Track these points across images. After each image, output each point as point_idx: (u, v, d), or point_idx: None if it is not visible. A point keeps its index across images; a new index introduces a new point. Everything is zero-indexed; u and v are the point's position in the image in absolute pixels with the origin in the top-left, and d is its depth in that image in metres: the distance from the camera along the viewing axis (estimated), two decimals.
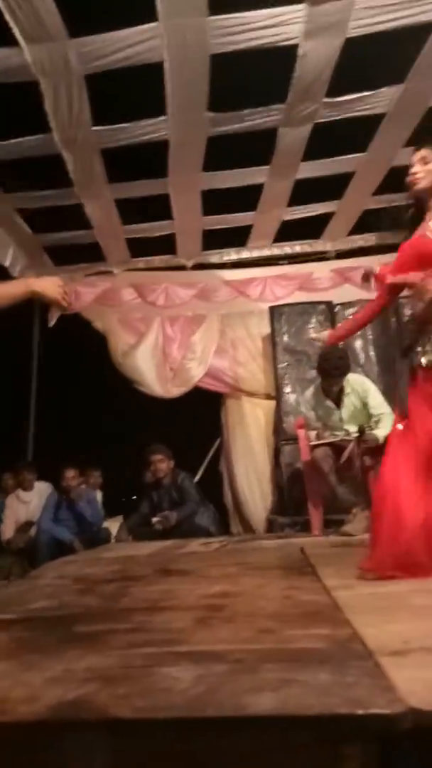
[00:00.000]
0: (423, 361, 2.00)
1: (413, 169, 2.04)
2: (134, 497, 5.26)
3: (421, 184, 2.01)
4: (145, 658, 1.17)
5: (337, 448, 3.91)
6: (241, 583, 2.05)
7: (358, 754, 0.79)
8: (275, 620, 1.42)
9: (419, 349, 2.03)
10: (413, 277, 1.96)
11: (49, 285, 1.81)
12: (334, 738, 0.80)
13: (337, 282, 5.34)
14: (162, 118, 3.41)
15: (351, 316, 5.53)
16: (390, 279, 2.04)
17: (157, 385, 5.33)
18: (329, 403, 4.05)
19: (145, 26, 2.76)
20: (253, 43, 2.83)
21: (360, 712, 0.80)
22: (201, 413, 5.69)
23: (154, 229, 4.86)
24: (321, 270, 5.43)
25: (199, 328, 5.46)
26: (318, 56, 2.94)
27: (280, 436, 5.09)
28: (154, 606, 1.73)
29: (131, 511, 4.95)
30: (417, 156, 2.04)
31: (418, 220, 2.08)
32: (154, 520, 4.50)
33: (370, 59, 3.08)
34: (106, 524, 5.02)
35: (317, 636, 1.25)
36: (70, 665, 1.13)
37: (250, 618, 1.47)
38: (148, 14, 2.69)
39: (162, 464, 4.80)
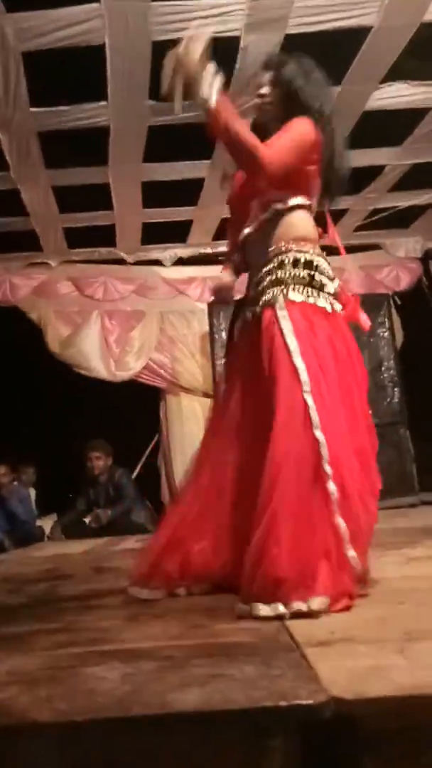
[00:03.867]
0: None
1: (263, 90, 1.65)
2: (69, 495, 5.14)
3: (261, 111, 1.68)
4: (71, 658, 1.14)
5: None
6: None
7: (281, 745, 0.79)
8: (206, 615, 1.41)
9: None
10: None
11: None
12: (259, 731, 0.80)
13: None
14: (102, 103, 3.32)
15: None
16: None
17: (103, 369, 5.26)
18: None
19: (87, 6, 2.68)
20: (196, 32, 2.80)
21: (283, 703, 0.80)
22: (140, 409, 5.62)
23: (93, 218, 4.75)
24: None
25: (138, 324, 5.43)
26: (259, 50, 2.94)
27: None
28: (84, 605, 1.69)
29: (66, 509, 4.83)
30: (266, 77, 1.67)
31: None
32: (87, 519, 4.45)
33: (309, 58, 3.11)
34: (39, 522, 4.89)
35: (247, 630, 1.25)
36: None
37: (181, 614, 1.45)
38: None
39: (99, 461, 4.72)
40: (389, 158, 4.15)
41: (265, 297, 1.59)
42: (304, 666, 0.97)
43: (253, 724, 0.79)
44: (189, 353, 5.49)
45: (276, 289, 1.58)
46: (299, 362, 1.47)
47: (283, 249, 1.61)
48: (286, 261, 1.60)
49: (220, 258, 5.44)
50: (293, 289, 1.56)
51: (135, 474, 5.28)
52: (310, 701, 0.80)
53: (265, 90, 1.66)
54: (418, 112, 3.63)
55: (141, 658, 1.08)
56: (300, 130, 1.59)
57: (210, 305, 5.28)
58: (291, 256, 1.60)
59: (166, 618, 1.42)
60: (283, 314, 1.53)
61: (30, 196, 4.24)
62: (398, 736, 0.78)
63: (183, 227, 5.01)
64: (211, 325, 5.23)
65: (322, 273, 1.61)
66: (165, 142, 3.71)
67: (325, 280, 1.60)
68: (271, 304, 1.57)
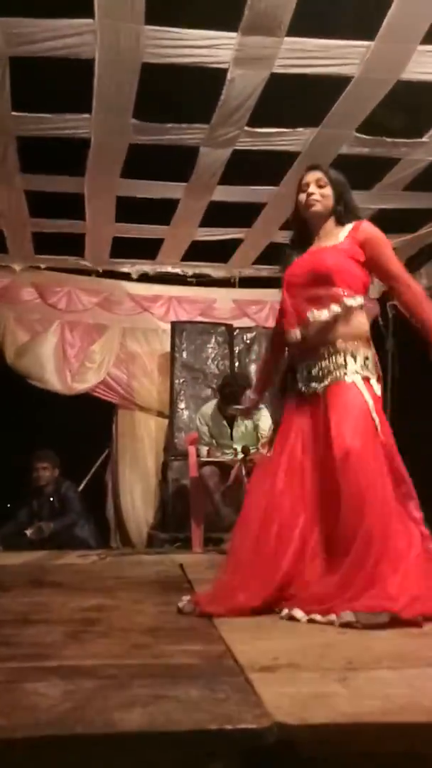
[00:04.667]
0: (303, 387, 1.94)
1: (311, 190, 1.98)
2: (8, 505, 4.97)
3: (317, 207, 1.99)
4: (9, 673, 1.10)
5: (225, 467, 3.98)
6: (117, 597, 2.01)
7: None
8: (150, 635, 1.40)
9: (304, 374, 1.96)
10: None
11: None
12: (202, 753, 0.79)
13: (236, 314, 5.57)
14: (86, 116, 3.33)
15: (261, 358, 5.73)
16: None
17: (57, 382, 5.15)
18: (224, 421, 4.17)
19: (80, 20, 2.69)
20: (185, 60, 2.87)
21: (228, 727, 0.80)
22: (92, 421, 5.52)
23: (64, 226, 4.71)
24: (224, 298, 5.58)
25: (100, 339, 5.37)
26: (245, 84, 3.04)
27: (171, 451, 5.09)
28: (24, 619, 1.64)
29: (6, 519, 4.67)
30: (311, 177, 2.01)
31: (303, 242, 2.05)
32: (28, 531, 4.32)
33: (291, 99, 3.24)
34: None
35: (191, 652, 1.25)
36: None
37: (124, 633, 1.43)
38: (85, 10, 2.64)
39: (45, 472, 4.61)
40: (357, 202, 4.30)
41: (334, 376, 1.89)
42: (248, 690, 0.97)
43: (197, 747, 0.79)
44: (148, 372, 5.46)
45: (344, 370, 1.89)
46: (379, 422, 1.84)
47: (346, 343, 1.92)
48: (349, 352, 1.91)
49: (189, 279, 5.49)
50: (358, 372, 1.89)
51: (81, 487, 5.17)
52: (255, 725, 0.81)
53: (327, 191, 2.01)
54: (391, 160, 3.80)
55: (83, 676, 1.06)
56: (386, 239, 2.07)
57: (173, 324, 5.29)
58: (354, 350, 1.91)
59: (109, 636, 1.40)
60: (360, 383, 1.87)
61: (1, 198, 4.18)
62: (338, 762, 0.79)
63: (153, 245, 5.04)
64: (173, 345, 5.24)
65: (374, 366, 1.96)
66: (144, 161, 3.75)
67: (373, 372, 1.94)
68: (341, 380, 1.88)
